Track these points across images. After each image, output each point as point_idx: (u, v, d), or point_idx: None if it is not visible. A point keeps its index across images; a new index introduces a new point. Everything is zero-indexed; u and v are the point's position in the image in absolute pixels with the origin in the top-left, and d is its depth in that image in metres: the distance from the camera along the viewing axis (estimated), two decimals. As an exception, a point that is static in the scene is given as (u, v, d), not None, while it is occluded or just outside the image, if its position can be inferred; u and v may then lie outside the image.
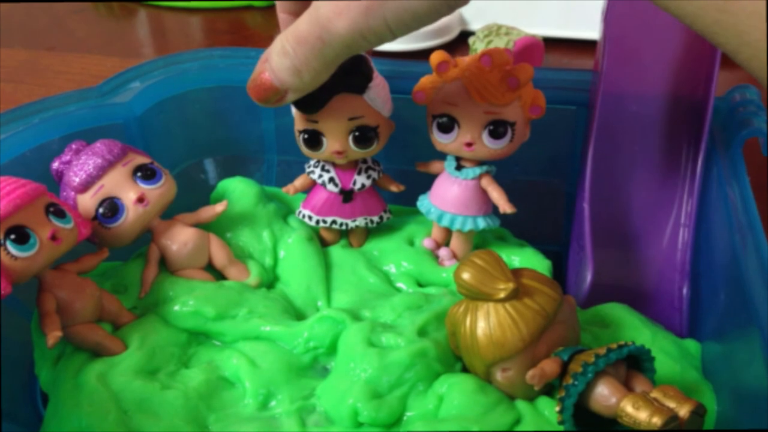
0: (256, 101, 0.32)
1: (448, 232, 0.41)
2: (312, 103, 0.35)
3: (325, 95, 0.35)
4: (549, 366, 0.30)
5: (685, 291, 0.37)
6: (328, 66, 0.29)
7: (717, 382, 0.32)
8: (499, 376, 0.31)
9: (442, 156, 0.40)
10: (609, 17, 0.38)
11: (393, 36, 0.27)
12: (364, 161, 0.40)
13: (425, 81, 0.37)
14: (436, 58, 0.36)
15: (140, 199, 0.35)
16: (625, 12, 0.38)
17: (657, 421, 0.26)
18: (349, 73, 0.35)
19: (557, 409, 0.29)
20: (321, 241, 0.42)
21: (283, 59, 0.29)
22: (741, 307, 0.30)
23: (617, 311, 0.35)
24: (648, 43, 0.38)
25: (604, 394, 0.28)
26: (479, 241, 0.41)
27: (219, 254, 0.38)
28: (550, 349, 0.31)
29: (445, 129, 0.37)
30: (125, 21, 0.78)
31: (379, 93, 0.37)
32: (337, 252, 0.41)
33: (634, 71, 0.38)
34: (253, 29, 0.74)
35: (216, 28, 0.76)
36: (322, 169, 0.39)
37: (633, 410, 0.27)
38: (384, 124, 0.38)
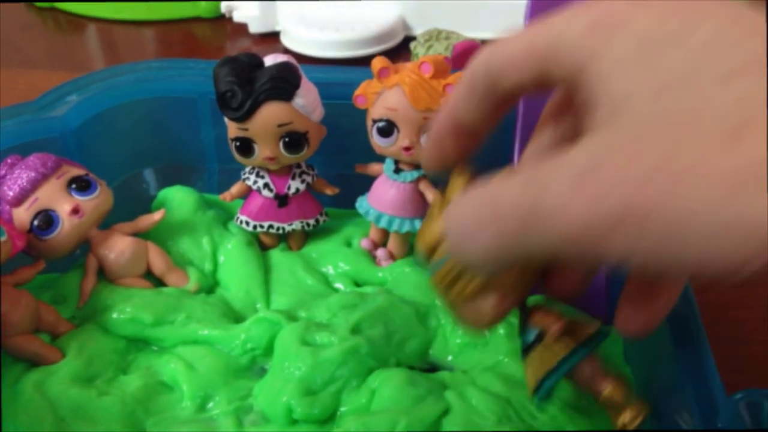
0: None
1: (385, 232, 0.42)
2: (241, 111, 0.36)
3: (253, 103, 0.36)
4: None
5: (607, 279, 0.38)
6: (501, 258, 0.21)
7: (635, 366, 0.33)
8: None
9: (381, 159, 0.41)
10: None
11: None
12: (298, 166, 0.41)
13: (366, 86, 0.38)
14: (377, 64, 0.37)
15: (75, 211, 0.36)
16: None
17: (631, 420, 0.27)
18: (277, 81, 0.36)
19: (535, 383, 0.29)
20: (261, 245, 0.42)
21: (448, 222, 0.22)
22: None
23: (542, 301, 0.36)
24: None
25: (588, 375, 0.29)
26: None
27: (157, 262, 0.39)
28: None
29: (385, 133, 0.38)
30: (74, 35, 0.78)
31: (307, 99, 0.38)
32: (277, 255, 0.42)
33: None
34: (201, 40, 0.75)
35: (167, 40, 0.76)
36: (257, 175, 0.40)
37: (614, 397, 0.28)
38: (314, 129, 0.39)
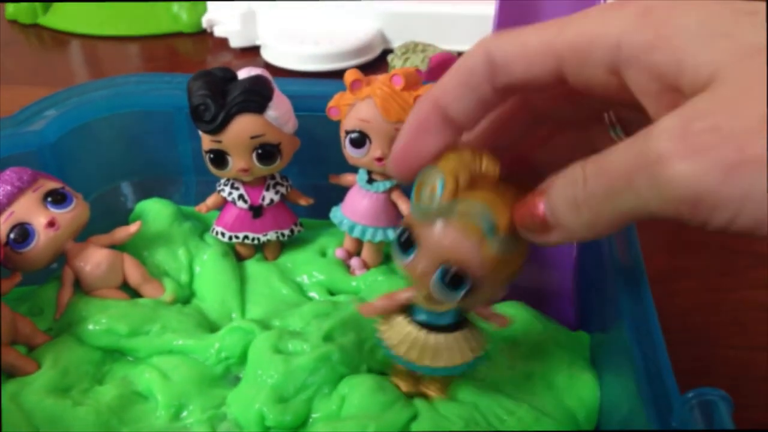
0: (517, 224, 0.25)
1: (359, 242, 0.43)
2: (214, 124, 0.37)
3: (226, 116, 0.37)
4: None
5: (575, 286, 0.39)
6: (619, 220, 0.21)
7: (600, 369, 0.34)
8: None
9: (354, 170, 0.41)
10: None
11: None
12: (272, 177, 0.41)
13: (339, 98, 0.39)
14: (349, 76, 0.38)
15: (51, 223, 0.37)
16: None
17: None
18: (249, 94, 0.37)
19: None
20: (237, 255, 0.43)
21: (569, 191, 0.22)
22: (614, 298, 0.32)
23: (512, 309, 0.37)
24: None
25: None
26: (390, 251, 0.43)
27: (133, 273, 0.39)
28: None
29: (357, 144, 0.39)
30: (57, 52, 0.79)
31: (279, 111, 0.38)
32: (252, 266, 0.42)
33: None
34: (183, 54, 0.76)
35: (150, 56, 0.77)
36: (232, 186, 0.41)
37: None
38: (286, 140, 0.39)
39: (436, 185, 0.26)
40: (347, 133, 0.39)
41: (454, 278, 0.27)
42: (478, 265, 0.26)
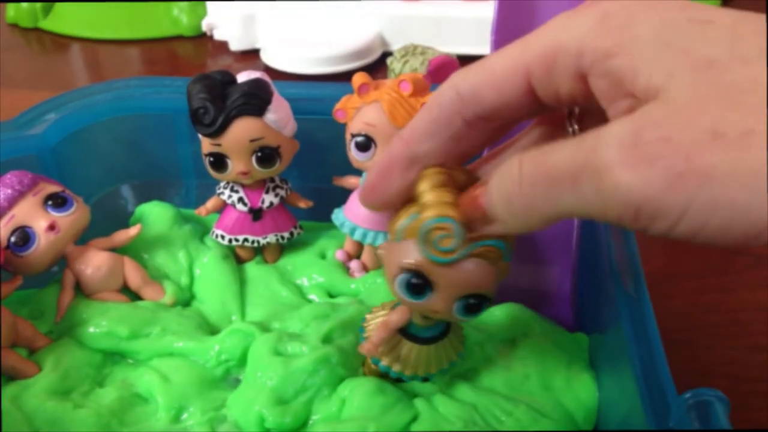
0: (462, 214, 0.25)
1: (360, 245, 0.43)
2: (213, 127, 0.37)
3: (225, 119, 0.37)
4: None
5: (573, 288, 0.39)
6: (555, 218, 0.22)
7: (599, 371, 0.34)
8: None
9: (358, 172, 0.41)
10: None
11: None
12: (272, 180, 0.42)
13: (346, 100, 0.39)
14: (357, 80, 0.38)
15: (51, 227, 0.37)
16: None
17: None
18: (248, 97, 0.37)
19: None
20: (237, 258, 0.43)
21: (503, 186, 0.22)
22: (612, 300, 0.32)
23: (511, 310, 0.37)
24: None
25: None
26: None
27: (133, 276, 0.39)
28: None
29: (363, 148, 0.39)
30: (57, 55, 0.79)
31: (278, 114, 0.38)
32: (252, 268, 0.42)
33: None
34: (183, 58, 0.76)
35: (150, 59, 0.77)
36: (231, 189, 0.41)
37: None
38: (286, 143, 0.39)
39: (452, 231, 0.25)
40: (353, 136, 0.39)
41: (476, 304, 0.27)
42: (496, 283, 0.27)
